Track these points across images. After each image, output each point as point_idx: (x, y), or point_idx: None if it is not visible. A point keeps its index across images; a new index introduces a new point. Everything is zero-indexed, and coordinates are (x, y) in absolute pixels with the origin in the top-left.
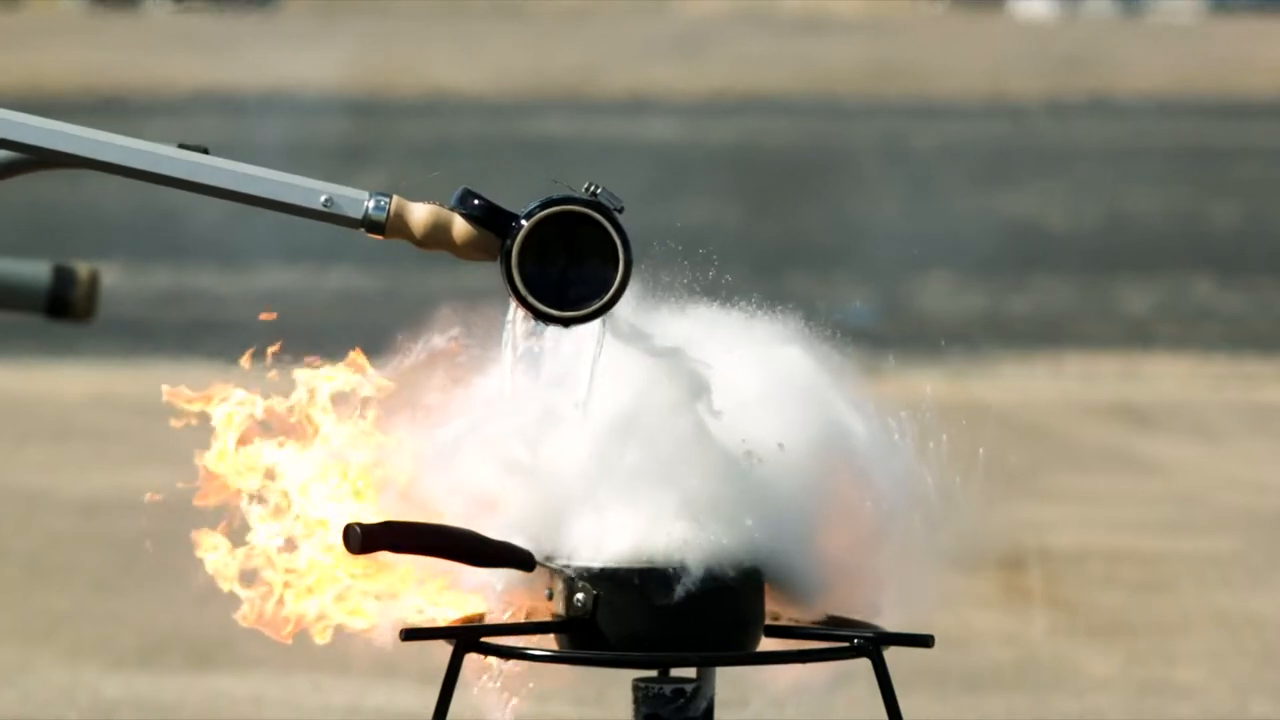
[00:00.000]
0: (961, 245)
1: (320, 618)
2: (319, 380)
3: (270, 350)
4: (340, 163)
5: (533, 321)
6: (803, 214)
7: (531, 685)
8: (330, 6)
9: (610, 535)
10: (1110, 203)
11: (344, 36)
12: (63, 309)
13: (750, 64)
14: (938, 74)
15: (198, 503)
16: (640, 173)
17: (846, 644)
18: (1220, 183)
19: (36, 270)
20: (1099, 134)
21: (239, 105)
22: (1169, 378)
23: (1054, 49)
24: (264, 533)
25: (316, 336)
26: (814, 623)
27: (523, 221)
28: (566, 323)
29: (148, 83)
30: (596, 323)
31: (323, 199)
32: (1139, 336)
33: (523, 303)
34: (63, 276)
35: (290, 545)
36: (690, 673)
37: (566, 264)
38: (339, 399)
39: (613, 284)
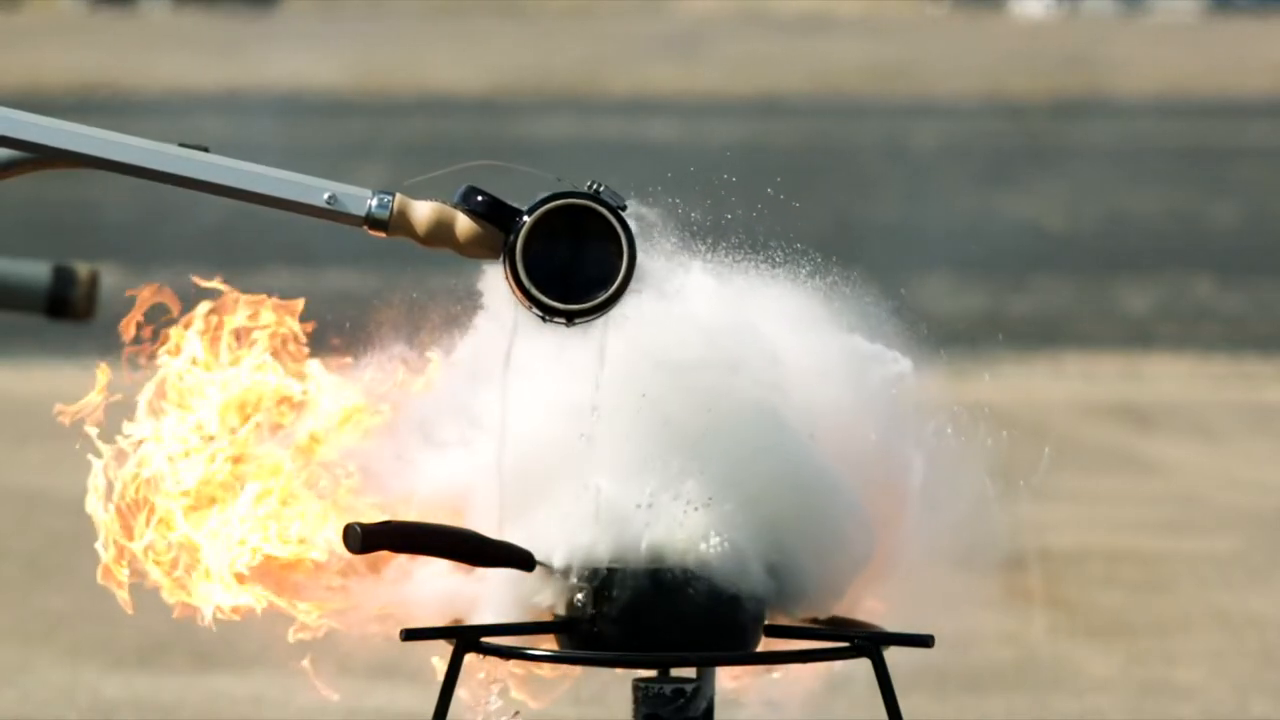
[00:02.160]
0: (961, 245)
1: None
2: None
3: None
4: (340, 163)
5: (536, 319)
6: (803, 214)
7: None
8: (330, 6)
9: (613, 535)
10: (1110, 203)
11: (344, 36)
12: (63, 309)
13: (750, 64)
14: (938, 74)
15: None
16: (641, 172)
17: (846, 644)
18: (1220, 183)
19: (36, 270)
20: (1099, 134)
21: (239, 105)
22: (1169, 378)
23: (1054, 49)
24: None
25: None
26: (814, 622)
27: (525, 218)
28: (570, 316)
29: (148, 83)
30: (598, 340)
31: (326, 196)
32: (1139, 336)
33: (527, 296)
34: (63, 276)
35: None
36: (690, 673)
37: (570, 260)
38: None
39: (617, 278)
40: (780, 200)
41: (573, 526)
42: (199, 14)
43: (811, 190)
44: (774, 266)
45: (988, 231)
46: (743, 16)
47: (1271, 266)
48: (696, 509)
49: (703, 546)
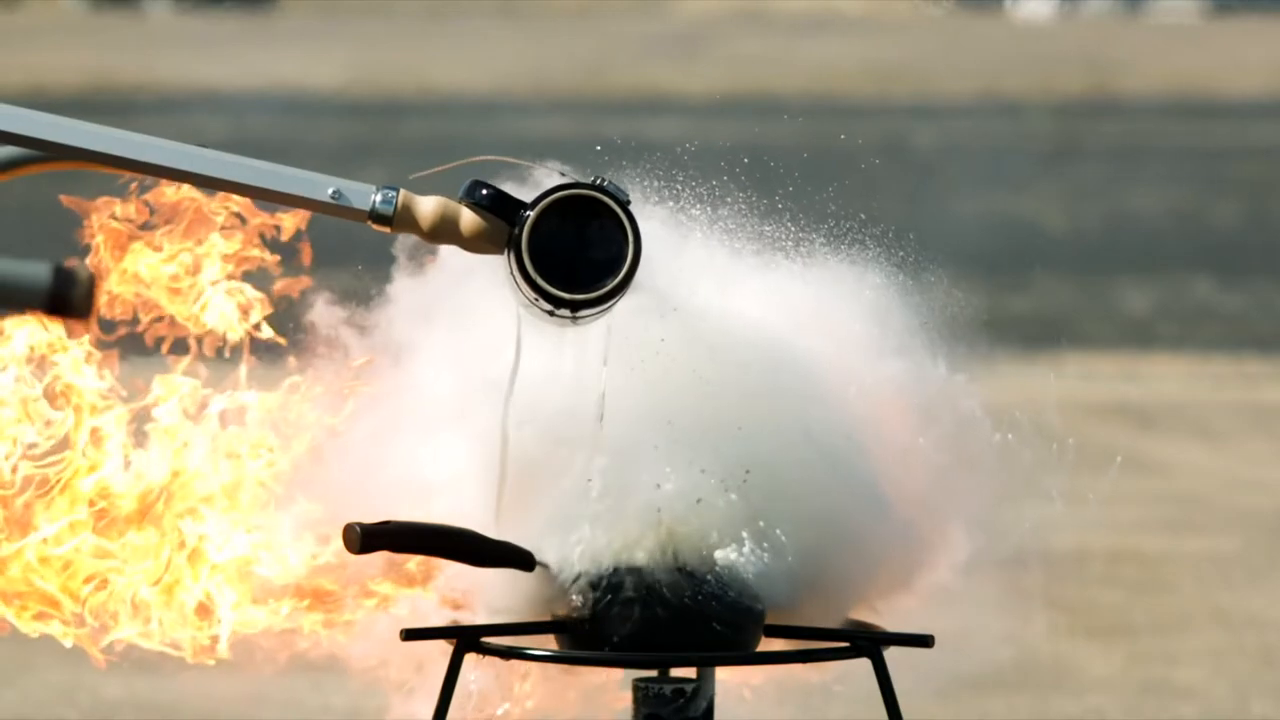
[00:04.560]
0: (961, 245)
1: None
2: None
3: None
4: (340, 163)
5: (540, 313)
6: (807, 214)
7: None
8: (330, 6)
9: (622, 528)
10: (1110, 203)
11: (343, 36)
12: (63, 308)
13: (750, 64)
14: (938, 74)
15: None
16: (641, 173)
17: (846, 644)
18: (1220, 183)
19: (36, 270)
20: (1099, 134)
21: (239, 105)
22: (1169, 378)
23: (1054, 49)
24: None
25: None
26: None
27: (530, 211)
28: (576, 306)
29: (148, 83)
30: (603, 344)
31: (331, 191)
32: (1139, 336)
33: (532, 286)
34: (63, 276)
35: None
36: (690, 673)
37: (575, 252)
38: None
39: (622, 268)
40: (844, 196)
41: (575, 521)
42: (199, 14)
43: (811, 190)
44: (840, 257)
45: (988, 231)
46: (743, 16)
47: (1271, 266)
48: (729, 493)
49: (734, 555)
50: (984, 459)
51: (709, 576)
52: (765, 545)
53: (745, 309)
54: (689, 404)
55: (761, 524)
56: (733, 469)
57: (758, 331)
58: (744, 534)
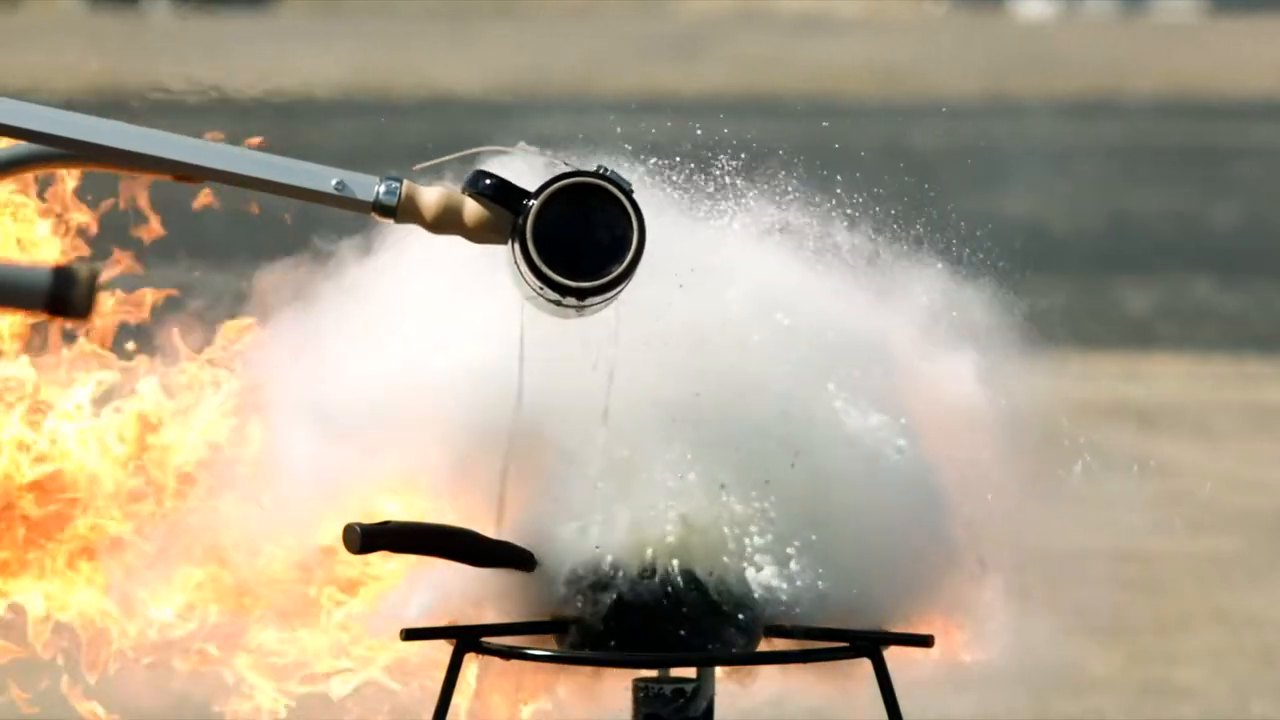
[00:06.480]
0: (961, 245)
1: None
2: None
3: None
4: (340, 162)
5: (546, 304)
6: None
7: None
8: (331, 6)
9: (626, 534)
10: (1110, 203)
11: (344, 36)
12: (63, 308)
13: (750, 64)
14: (938, 74)
15: None
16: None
17: (846, 644)
18: (1220, 183)
19: (36, 270)
20: (1099, 134)
21: (238, 105)
22: (1169, 378)
23: (1054, 49)
24: None
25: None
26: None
27: (532, 202)
28: (583, 294)
29: (148, 83)
30: (610, 334)
31: (334, 183)
32: (1139, 336)
33: (538, 275)
34: (63, 276)
35: None
36: (690, 673)
37: (579, 241)
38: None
39: (627, 255)
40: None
41: (578, 520)
42: (199, 14)
43: (812, 191)
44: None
45: (988, 231)
46: (743, 16)
47: (1271, 266)
48: (765, 507)
49: (774, 580)
50: (1031, 473)
51: (717, 586)
52: (821, 571)
53: (777, 278)
54: (712, 380)
55: (814, 537)
56: (773, 459)
57: (790, 298)
58: (789, 551)
